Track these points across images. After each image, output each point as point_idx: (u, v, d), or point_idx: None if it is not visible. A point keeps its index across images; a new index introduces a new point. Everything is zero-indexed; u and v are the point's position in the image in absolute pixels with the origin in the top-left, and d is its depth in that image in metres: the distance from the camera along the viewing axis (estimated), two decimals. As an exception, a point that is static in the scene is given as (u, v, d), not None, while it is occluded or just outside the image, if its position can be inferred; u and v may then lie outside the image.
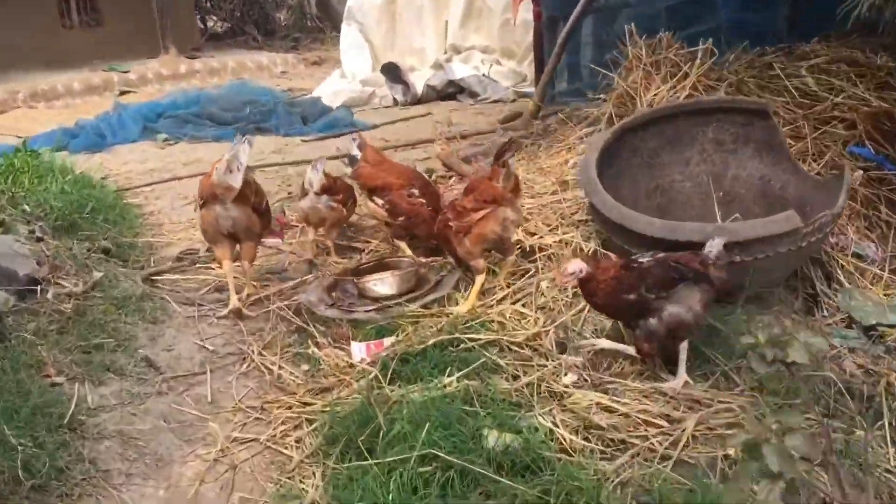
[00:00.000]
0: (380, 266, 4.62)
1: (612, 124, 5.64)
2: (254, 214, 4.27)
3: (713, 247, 3.45)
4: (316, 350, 3.94)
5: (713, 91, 5.35)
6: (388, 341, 3.88)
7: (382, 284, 4.37)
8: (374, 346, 3.87)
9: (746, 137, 4.57)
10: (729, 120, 4.58)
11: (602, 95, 6.27)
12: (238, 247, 4.36)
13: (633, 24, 5.83)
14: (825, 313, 4.08)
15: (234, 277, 4.34)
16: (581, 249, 4.40)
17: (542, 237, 4.60)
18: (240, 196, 4.13)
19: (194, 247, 5.32)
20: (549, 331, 3.92)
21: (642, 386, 3.47)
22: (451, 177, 6.33)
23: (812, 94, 5.32)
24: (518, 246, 4.53)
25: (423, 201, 4.75)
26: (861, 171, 4.75)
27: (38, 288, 4.03)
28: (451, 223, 4.27)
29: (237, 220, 4.19)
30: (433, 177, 6.40)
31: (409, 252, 4.78)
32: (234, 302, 4.27)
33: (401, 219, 4.73)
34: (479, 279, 4.22)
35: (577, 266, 3.54)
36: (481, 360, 3.58)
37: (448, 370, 3.54)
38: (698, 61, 5.43)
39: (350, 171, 5.01)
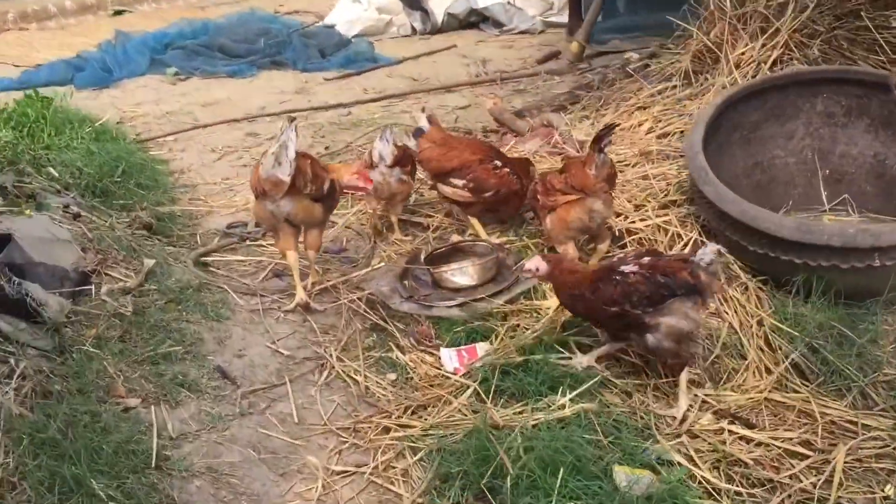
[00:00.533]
0: (454, 251, 4.22)
1: (688, 81, 5.22)
2: (312, 203, 3.81)
3: (705, 254, 3.08)
4: (400, 355, 3.59)
5: (805, 48, 4.90)
6: (481, 348, 3.54)
7: (462, 275, 4.00)
8: (466, 354, 3.52)
9: (861, 111, 4.17)
10: (843, 91, 4.16)
11: (670, 44, 5.80)
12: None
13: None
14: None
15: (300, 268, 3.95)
16: (678, 237, 4.02)
17: (630, 219, 4.21)
18: (292, 188, 3.68)
19: (238, 217, 4.89)
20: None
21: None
22: (503, 133, 5.87)
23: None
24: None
25: (509, 171, 4.32)
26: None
27: (90, 285, 3.62)
28: (539, 196, 3.97)
29: (292, 214, 3.77)
30: (483, 133, 5.97)
31: (482, 232, 4.38)
32: (300, 295, 3.88)
33: (488, 194, 4.29)
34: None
35: (533, 264, 3.27)
36: (597, 378, 3.24)
37: (560, 389, 3.20)
38: (789, 14, 4.94)
39: (412, 143, 4.50)
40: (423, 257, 4.14)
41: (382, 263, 4.27)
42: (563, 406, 3.11)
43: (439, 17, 10.83)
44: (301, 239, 3.94)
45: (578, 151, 4.94)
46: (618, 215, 4.25)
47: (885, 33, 4.97)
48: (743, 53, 4.89)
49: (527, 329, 3.64)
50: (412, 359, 3.56)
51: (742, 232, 3.54)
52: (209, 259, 4.38)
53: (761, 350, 3.47)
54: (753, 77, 4.76)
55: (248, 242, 4.61)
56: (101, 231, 4.14)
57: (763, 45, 4.86)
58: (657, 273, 3.12)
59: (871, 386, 3.28)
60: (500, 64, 8.50)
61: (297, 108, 7.28)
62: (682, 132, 4.83)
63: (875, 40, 4.92)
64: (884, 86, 4.05)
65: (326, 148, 6.17)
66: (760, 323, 3.53)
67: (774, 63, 4.82)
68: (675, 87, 5.32)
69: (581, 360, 3.35)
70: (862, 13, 5.06)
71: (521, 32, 10.37)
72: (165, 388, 3.21)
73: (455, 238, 4.39)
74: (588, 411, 3.09)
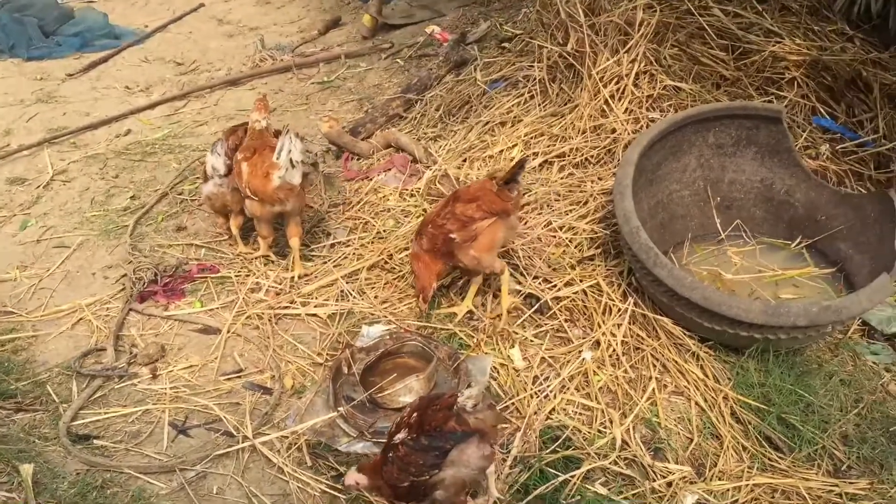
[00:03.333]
0: (385, 356, 3.76)
1: (545, 91, 4.98)
2: (302, 192, 4.18)
3: (468, 396, 2.94)
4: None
5: (657, 53, 4.85)
6: None
7: (407, 391, 3.58)
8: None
9: (749, 140, 4.21)
10: (734, 124, 4.17)
11: (506, 45, 5.49)
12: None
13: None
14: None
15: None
16: (609, 310, 3.89)
17: (554, 284, 4.01)
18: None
19: (80, 341, 4.02)
20: (629, 427, 3.48)
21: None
22: (347, 157, 5.30)
23: (730, 33, 5.01)
24: (520, 294, 3.98)
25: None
26: (826, 145, 4.64)
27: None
28: (452, 234, 3.75)
29: (292, 210, 4.16)
30: (321, 155, 5.35)
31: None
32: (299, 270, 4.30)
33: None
34: (506, 278, 3.90)
35: (352, 479, 2.96)
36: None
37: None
38: (640, 18, 4.80)
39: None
40: (355, 374, 3.64)
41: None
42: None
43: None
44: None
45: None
46: (541, 280, 4.04)
47: (708, 17, 5.06)
48: (604, 69, 4.70)
49: (503, 451, 3.36)
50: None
51: (699, 311, 3.48)
52: (82, 423, 3.53)
53: (731, 426, 3.50)
54: (620, 94, 4.66)
55: (115, 380, 3.77)
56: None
57: (618, 61, 4.70)
58: (422, 436, 2.88)
59: (833, 443, 3.45)
60: (276, 36, 7.62)
61: (60, 132, 6.00)
62: (562, 162, 4.64)
63: (700, 28, 5.00)
64: (775, 118, 4.08)
65: (133, 198, 5.17)
66: (726, 398, 3.54)
67: (637, 76, 4.71)
68: (531, 96, 5.04)
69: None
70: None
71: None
72: None
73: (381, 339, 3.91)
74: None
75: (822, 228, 4.12)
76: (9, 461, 3.17)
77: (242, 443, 3.41)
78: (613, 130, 4.63)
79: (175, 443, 3.47)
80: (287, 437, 3.43)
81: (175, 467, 3.31)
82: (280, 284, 4.26)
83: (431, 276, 3.83)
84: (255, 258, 4.47)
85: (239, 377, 3.80)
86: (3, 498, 3.01)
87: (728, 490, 3.27)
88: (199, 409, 3.61)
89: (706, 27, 5.01)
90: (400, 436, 2.90)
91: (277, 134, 4.20)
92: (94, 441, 3.44)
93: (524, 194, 4.40)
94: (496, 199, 3.74)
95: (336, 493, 3.23)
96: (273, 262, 4.44)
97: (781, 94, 4.80)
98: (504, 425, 3.26)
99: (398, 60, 6.68)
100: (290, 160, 3.97)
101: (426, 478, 2.87)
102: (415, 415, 2.92)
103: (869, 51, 4.82)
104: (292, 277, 4.27)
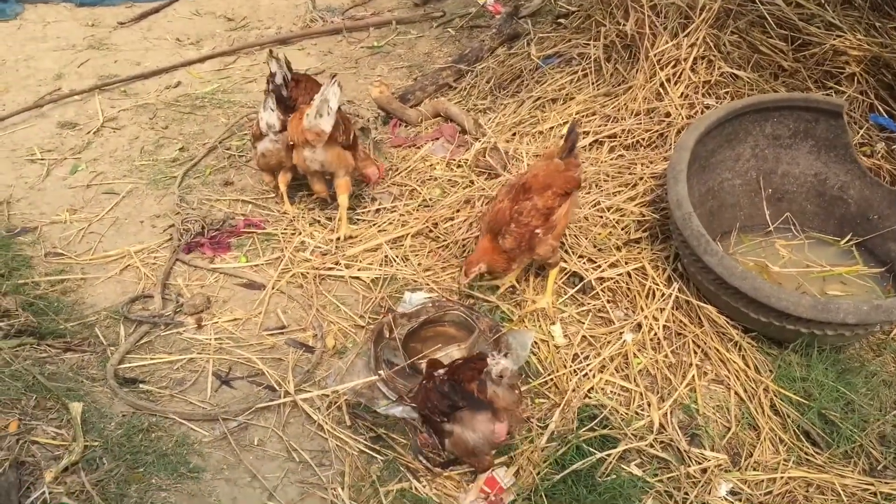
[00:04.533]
0: (427, 324, 3.79)
1: (599, 70, 4.94)
2: (344, 151, 4.22)
3: (497, 363, 2.96)
4: (419, 486, 3.20)
5: (716, 39, 4.79)
6: (502, 476, 3.22)
7: (448, 360, 3.59)
8: (488, 490, 3.19)
9: (806, 133, 4.17)
10: (793, 116, 4.12)
11: (562, 21, 5.44)
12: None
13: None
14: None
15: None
16: (653, 294, 3.89)
17: (598, 265, 4.01)
18: (329, 138, 4.09)
19: (127, 287, 4.08)
20: (667, 411, 3.49)
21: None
22: (395, 124, 5.30)
23: (790, 23, 4.93)
24: (565, 273, 3.98)
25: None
26: (883, 143, 4.58)
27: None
28: (538, 230, 3.68)
29: (326, 163, 4.20)
30: (373, 121, 5.34)
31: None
32: (344, 230, 4.33)
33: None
34: (555, 272, 3.91)
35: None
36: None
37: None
38: (702, 2, 4.74)
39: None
40: (396, 339, 3.67)
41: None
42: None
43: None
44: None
45: (506, 167, 4.57)
46: (580, 257, 4.05)
47: (770, 6, 4.99)
48: (662, 51, 4.66)
49: (541, 425, 3.39)
50: (435, 493, 3.18)
51: (746, 301, 3.47)
52: (129, 367, 3.59)
53: (769, 418, 3.50)
54: (677, 78, 4.62)
55: (162, 327, 3.83)
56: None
57: (678, 44, 4.65)
58: (447, 382, 2.98)
59: (870, 442, 3.45)
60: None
61: (111, 79, 6.04)
62: (613, 143, 4.62)
63: (761, 16, 4.94)
64: (835, 112, 4.04)
65: (182, 149, 5.21)
66: (766, 390, 3.54)
67: (695, 61, 4.66)
68: (585, 74, 5.01)
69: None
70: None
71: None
72: None
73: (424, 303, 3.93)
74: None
75: (874, 227, 4.08)
76: (59, 398, 3.24)
77: (284, 398, 3.46)
78: (668, 114, 4.59)
79: (218, 392, 3.53)
80: (328, 396, 3.48)
81: (218, 416, 3.37)
82: (326, 245, 4.28)
83: (483, 259, 3.74)
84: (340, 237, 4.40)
85: (282, 333, 3.84)
86: (53, 433, 3.08)
87: (763, 481, 3.28)
88: (242, 362, 3.66)
89: (766, 16, 4.93)
90: (439, 372, 3.04)
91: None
92: (141, 385, 3.50)
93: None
94: (568, 177, 3.68)
95: (373, 454, 3.27)
96: (319, 222, 4.46)
97: (840, 88, 4.73)
98: (522, 409, 3.20)
99: (449, 30, 6.64)
100: (327, 105, 3.98)
101: (437, 420, 2.98)
102: (458, 363, 3.04)
103: (931, 50, 4.73)
104: (338, 238, 4.29)
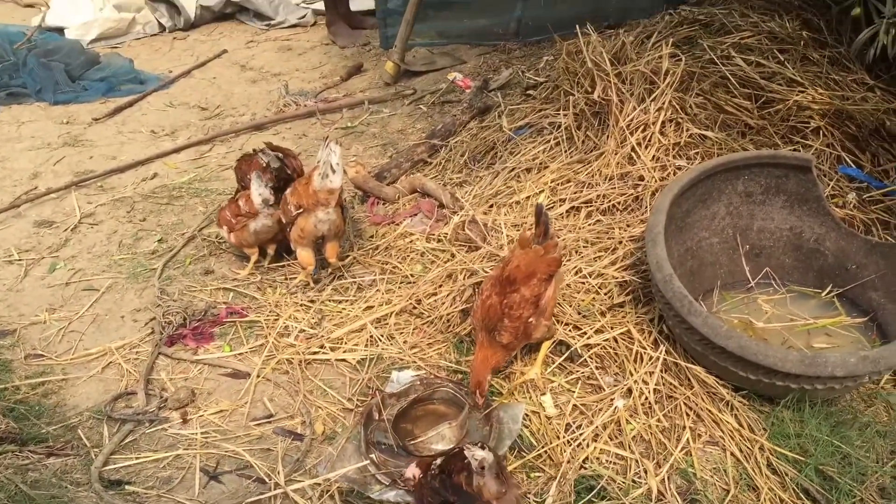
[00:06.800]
0: (417, 402, 3.75)
1: (571, 138, 5.03)
2: (340, 211, 4.37)
3: (473, 459, 2.87)
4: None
5: (682, 102, 4.90)
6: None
7: (440, 439, 3.56)
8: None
9: (778, 189, 4.23)
10: (764, 172, 4.19)
11: (531, 92, 5.55)
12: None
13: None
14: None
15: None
16: (641, 357, 3.87)
17: (582, 331, 4.00)
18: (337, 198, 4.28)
19: (108, 385, 4.01)
20: (664, 477, 3.44)
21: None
22: (373, 202, 5.33)
23: (753, 82, 5.07)
24: (552, 342, 3.97)
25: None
26: (853, 194, 4.65)
27: None
28: (531, 319, 3.67)
29: (334, 223, 4.33)
30: (349, 201, 5.38)
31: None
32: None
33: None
34: (548, 344, 3.92)
35: (410, 472, 3.14)
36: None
37: None
38: (665, 67, 4.87)
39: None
40: (386, 420, 3.62)
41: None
42: None
43: (191, 10, 9.64)
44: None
45: (486, 238, 4.59)
46: (571, 327, 4.05)
47: (730, 66, 5.13)
48: (631, 118, 4.75)
49: (538, 500, 3.33)
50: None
51: (734, 360, 3.47)
52: (114, 468, 3.51)
53: (767, 478, 3.46)
54: (647, 142, 4.71)
55: (146, 425, 3.76)
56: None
57: (645, 110, 4.75)
58: (439, 476, 2.94)
59: (871, 496, 3.41)
60: (298, 82, 7.72)
61: (87, 175, 6.07)
62: (590, 208, 4.67)
63: (723, 77, 5.08)
64: (804, 167, 4.11)
65: (160, 241, 5.21)
66: (762, 449, 3.51)
67: (663, 124, 4.75)
68: (557, 143, 5.09)
69: None
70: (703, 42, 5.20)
71: (292, 26, 9.54)
72: None
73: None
74: None
75: (853, 277, 4.12)
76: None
77: (274, 490, 3.38)
78: (641, 178, 4.66)
79: (206, 489, 3.45)
80: (319, 485, 3.40)
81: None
82: (310, 328, 4.26)
83: (488, 370, 3.67)
84: (298, 282, 4.63)
85: (269, 422, 3.78)
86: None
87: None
88: (230, 455, 3.59)
89: (729, 76, 5.08)
90: (436, 462, 3.00)
91: None
92: (126, 486, 3.41)
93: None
94: (550, 260, 3.68)
95: (369, 542, 3.19)
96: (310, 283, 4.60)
97: (807, 142, 4.84)
98: (513, 494, 3.09)
99: (421, 106, 6.75)
100: (330, 165, 4.12)
101: None
102: (450, 454, 2.99)
103: (890, 100, 4.86)
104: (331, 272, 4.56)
